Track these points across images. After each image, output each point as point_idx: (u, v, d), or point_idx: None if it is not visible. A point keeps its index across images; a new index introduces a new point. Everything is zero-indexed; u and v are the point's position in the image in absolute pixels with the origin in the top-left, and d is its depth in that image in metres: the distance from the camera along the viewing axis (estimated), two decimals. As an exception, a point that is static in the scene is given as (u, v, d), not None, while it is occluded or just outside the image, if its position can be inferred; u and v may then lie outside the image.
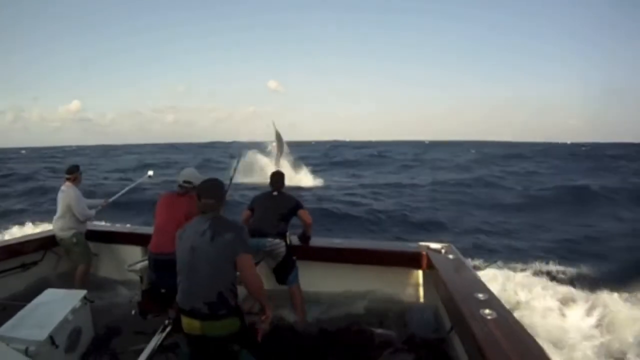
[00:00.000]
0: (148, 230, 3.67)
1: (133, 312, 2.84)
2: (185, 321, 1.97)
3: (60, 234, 3.98)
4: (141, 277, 3.06)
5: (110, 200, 4.44)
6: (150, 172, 4.69)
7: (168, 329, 2.74)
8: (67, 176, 4.04)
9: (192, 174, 3.07)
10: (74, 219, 3.94)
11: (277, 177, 3.62)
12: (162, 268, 2.79)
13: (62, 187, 4.04)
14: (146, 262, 3.18)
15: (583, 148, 62.44)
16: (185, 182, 3.01)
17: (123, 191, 4.46)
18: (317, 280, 3.71)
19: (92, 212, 4.09)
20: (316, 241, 3.85)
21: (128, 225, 5.32)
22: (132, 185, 4.40)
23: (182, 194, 3.02)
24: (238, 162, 3.97)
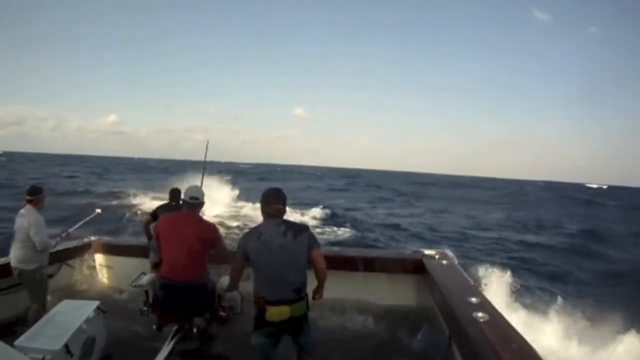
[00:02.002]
0: None
1: (154, 327, 2.93)
2: (275, 310, 2.22)
3: (19, 266, 3.36)
4: (146, 292, 3.12)
5: (70, 231, 4.05)
6: (99, 210, 4.50)
7: (177, 337, 2.84)
8: (28, 198, 3.44)
9: (198, 190, 3.03)
10: (33, 249, 3.36)
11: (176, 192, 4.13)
12: (172, 292, 2.85)
13: (22, 211, 3.43)
14: (150, 276, 3.30)
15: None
16: (192, 198, 2.93)
17: (76, 226, 4.20)
18: (311, 288, 3.73)
19: (53, 242, 3.54)
20: None
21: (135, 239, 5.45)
22: (82, 222, 4.21)
23: (189, 211, 2.94)
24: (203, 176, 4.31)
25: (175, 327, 2.97)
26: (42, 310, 3.24)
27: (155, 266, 3.64)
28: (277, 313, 2.22)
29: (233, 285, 2.60)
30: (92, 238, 4.67)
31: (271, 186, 2.55)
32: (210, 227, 2.95)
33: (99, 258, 4.68)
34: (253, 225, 3.58)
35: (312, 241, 2.33)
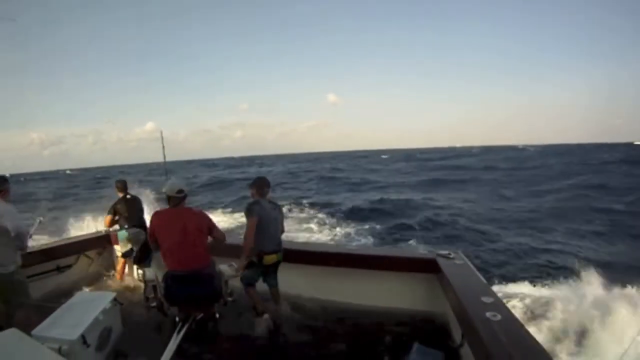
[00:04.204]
0: None
1: (176, 318, 2.99)
2: (269, 257, 3.43)
3: None
4: (154, 287, 3.17)
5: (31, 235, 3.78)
6: (41, 218, 4.42)
7: (185, 328, 2.88)
8: None
9: (181, 184, 3.13)
10: (10, 247, 3.03)
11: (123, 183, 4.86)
12: (186, 283, 2.95)
13: None
14: (154, 270, 3.40)
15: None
16: (178, 191, 3.05)
17: (31, 234, 3.93)
18: (328, 285, 3.83)
19: (29, 241, 3.25)
20: (329, 247, 3.92)
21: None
22: (32, 230, 4.01)
23: (176, 204, 3.06)
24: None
25: (201, 316, 3.04)
26: (32, 311, 2.94)
27: (126, 255, 4.48)
28: (270, 258, 3.43)
29: (251, 241, 3.33)
30: (111, 229, 4.76)
31: (260, 175, 3.72)
32: (204, 215, 3.15)
33: (117, 250, 4.75)
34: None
35: (283, 216, 3.71)
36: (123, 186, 4.77)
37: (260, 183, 3.56)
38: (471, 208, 16.74)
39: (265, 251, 3.42)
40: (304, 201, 18.79)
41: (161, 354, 2.61)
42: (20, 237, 3.07)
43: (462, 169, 36.43)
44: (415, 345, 2.71)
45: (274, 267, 3.55)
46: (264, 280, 3.58)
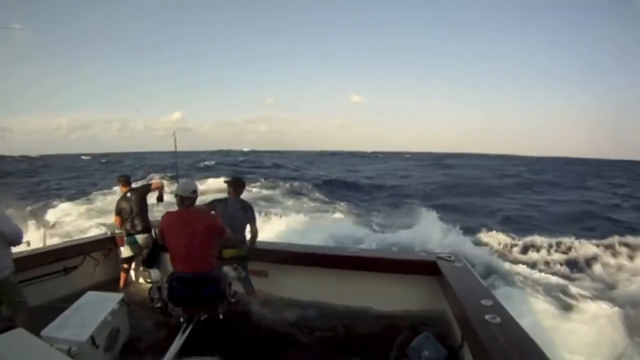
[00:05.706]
0: None
1: (181, 319, 2.97)
2: (227, 251, 3.56)
3: None
4: (159, 288, 3.16)
5: None
6: (29, 240, 4.01)
7: (189, 329, 2.87)
8: None
9: (194, 185, 3.12)
10: (5, 252, 2.99)
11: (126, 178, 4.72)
12: (185, 284, 2.94)
13: None
14: (157, 271, 3.44)
15: None
16: (193, 192, 3.04)
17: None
18: (328, 287, 3.84)
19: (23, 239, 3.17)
20: (328, 249, 4.08)
21: None
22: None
23: (188, 206, 3.03)
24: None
25: (204, 317, 3.03)
26: (29, 314, 3.03)
27: (126, 261, 4.46)
28: (228, 253, 3.57)
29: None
30: (116, 231, 4.74)
31: (237, 176, 4.05)
32: (215, 217, 3.16)
33: (123, 251, 4.69)
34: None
35: (252, 217, 3.86)
36: (126, 181, 4.55)
37: (237, 183, 3.87)
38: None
39: (223, 245, 3.53)
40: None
41: (165, 354, 2.59)
42: (13, 237, 3.04)
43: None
44: (424, 333, 2.75)
45: (237, 261, 3.59)
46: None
